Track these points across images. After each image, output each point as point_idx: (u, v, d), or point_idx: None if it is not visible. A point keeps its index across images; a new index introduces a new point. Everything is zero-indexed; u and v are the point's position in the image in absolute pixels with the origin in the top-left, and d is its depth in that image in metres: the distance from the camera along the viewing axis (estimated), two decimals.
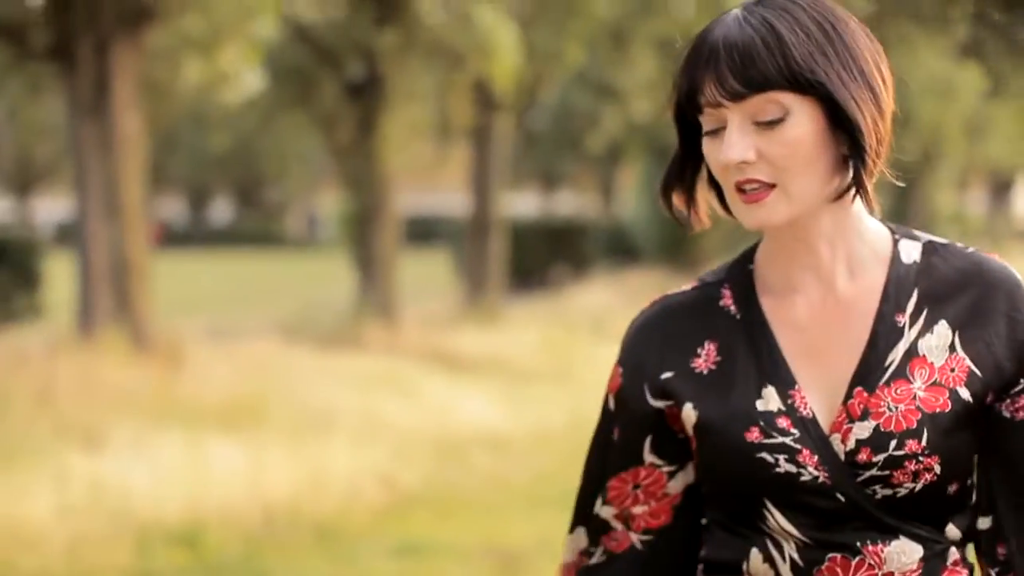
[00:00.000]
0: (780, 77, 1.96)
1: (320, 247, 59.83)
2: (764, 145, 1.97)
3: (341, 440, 10.38)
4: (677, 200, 2.08)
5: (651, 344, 2.13)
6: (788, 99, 1.97)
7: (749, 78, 1.96)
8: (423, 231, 49.86)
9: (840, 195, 2.02)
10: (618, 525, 2.15)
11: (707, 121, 2.01)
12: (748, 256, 2.14)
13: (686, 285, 2.18)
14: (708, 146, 2.02)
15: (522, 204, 40.95)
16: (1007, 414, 2.04)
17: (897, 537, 2.00)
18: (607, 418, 2.16)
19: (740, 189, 1.99)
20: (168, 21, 13.35)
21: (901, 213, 41.09)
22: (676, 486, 2.13)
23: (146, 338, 14.07)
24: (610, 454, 2.14)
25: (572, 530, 2.20)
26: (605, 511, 2.16)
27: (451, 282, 27.26)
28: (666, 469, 2.12)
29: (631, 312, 2.22)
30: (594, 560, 2.17)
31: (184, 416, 10.67)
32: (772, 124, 1.97)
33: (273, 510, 8.71)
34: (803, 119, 1.97)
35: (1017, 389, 2.03)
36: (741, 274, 2.13)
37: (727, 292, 2.12)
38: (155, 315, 14.96)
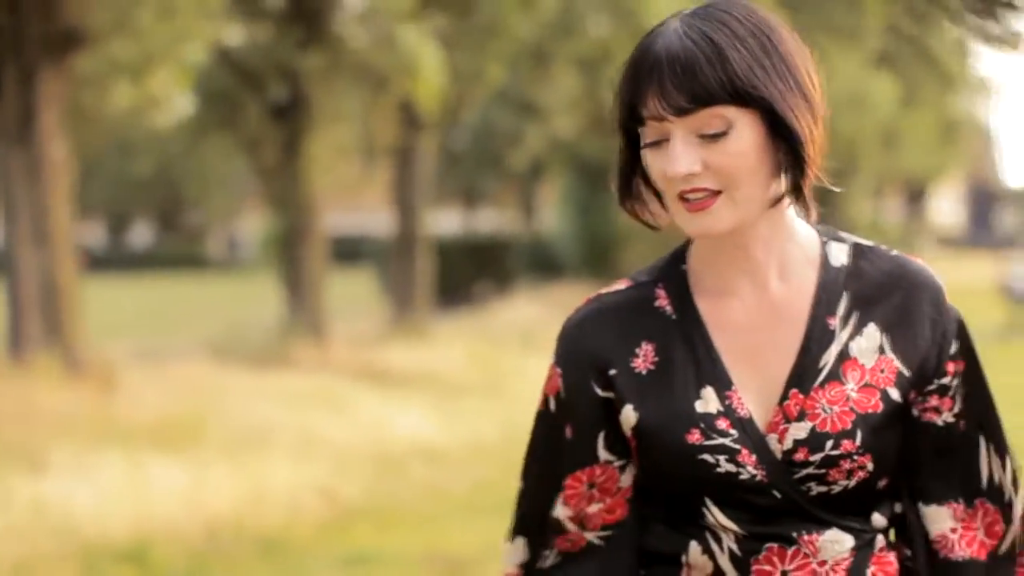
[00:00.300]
0: (723, 92, 2.00)
1: (242, 269, 59.81)
2: (709, 157, 2.00)
3: (279, 456, 10.53)
4: (631, 208, 2.12)
5: (591, 339, 2.13)
6: (731, 112, 2.00)
7: (693, 93, 1.99)
8: (347, 250, 49.93)
9: (779, 200, 2.06)
10: (572, 527, 2.15)
11: (649, 133, 2.03)
12: (680, 256, 2.16)
13: (619, 284, 2.18)
14: (650, 157, 2.04)
15: (444, 222, 41.15)
16: (915, 412, 2.10)
17: (830, 528, 2.06)
18: (549, 420, 2.15)
19: (683, 198, 2.02)
20: (96, 47, 13.45)
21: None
22: (627, 479, 2.14)
23: (78, 362, 14.14)
24: (564, 454, 2.14)
25: (512, 539, 2.19)
26: (561, 512, 2.15)
27: (377, 300, 27.42)
28: (618, 464, 2.13)
29: (557, 324, 2.20)
30: (548, 562, 2.17)
31: (122, 437, 10.78)
32: (716, 137, 2.00)
33: (216, 525, 8.85)
34: (745, 131, 2.01)
35: (929, 388, 2.10)
36: (675, 275, 2.14)
37: (662, 292, 2.14)
38: (85, 339, 15.03)
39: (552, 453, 2.15)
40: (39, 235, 14.52)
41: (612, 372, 2.11)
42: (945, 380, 2.10)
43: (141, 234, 64.36)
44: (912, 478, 2.13)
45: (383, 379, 15.47)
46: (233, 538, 8.72)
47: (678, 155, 1.99)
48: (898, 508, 2.15)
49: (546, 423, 2.16)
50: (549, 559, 2.16)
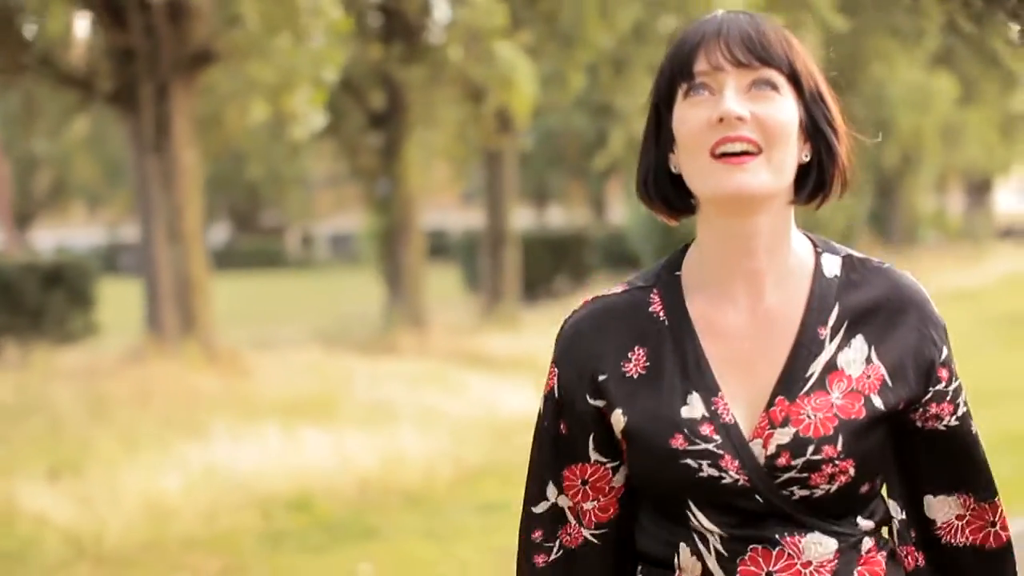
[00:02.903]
0: (785, 59, 2.06)
1: (317, 265, 61.42)
2: (756, 109, 2.03)
3: (406, 427, 11.90)
4: (646, 198, 2.16)
5: (585, 344, 2.17)
6: (783, 81, 2.06)
7: (757, 49, 2.04)
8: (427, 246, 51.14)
9: (805, 198, 2.12)
10: (571, 518, 2.22)
11: (695, 83, 2.05)
12: (675, 262, 2.19)
13: (617, 287, 2.22)
14: (686, 110, 2.06)
15: (518, 219, 42.44)
16: (918, 424, 2.16)
17: (812, 531, 2.09)
18: (547, 414, 2.22)
19: (720, 154, 2.02)
20: (227, 65, 14.91)
21: (884, 216, 42.66)
22: (620, 479, 2.20)
23: (211, 348, 15.63)
24: (560, 447, 2.21)
25: (523, 517, 2.28)
26: (562, 500, 2.22)
27: (462, 292, 28.85)
28: (610, 465, 2.19)
29: None
30: (553, 556, 2.24)
31: (267, 411, 12.26)
32: (766, 90, 2.04)
33: (365, 482, 10.28)
34: (790, 103, 2.06)
35: (926, 398, 2.14)
36: (670, 280, 2.16)
37: (656, 298, 2.16)
38: (215, 328, 16.53)
39: (551, 444, 2.22)
40: (173, 233, 16.01)
41: (602, 378, 2.14)
42: (940, 386, 2.14)
43: (218, 233, 66.08)
44: (918, 477, 2.20)
45: (482, 363, 16.76)
46: (380, 492, 10.14)
47: (732, 97, 2.02)
48: (887, 511, 2.21)
49: (546, 416, 2.23)
50: (553, 552, 2.25)
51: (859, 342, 2.09)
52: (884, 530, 2.21)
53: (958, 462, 2.18)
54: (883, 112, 31.99)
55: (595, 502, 2.20)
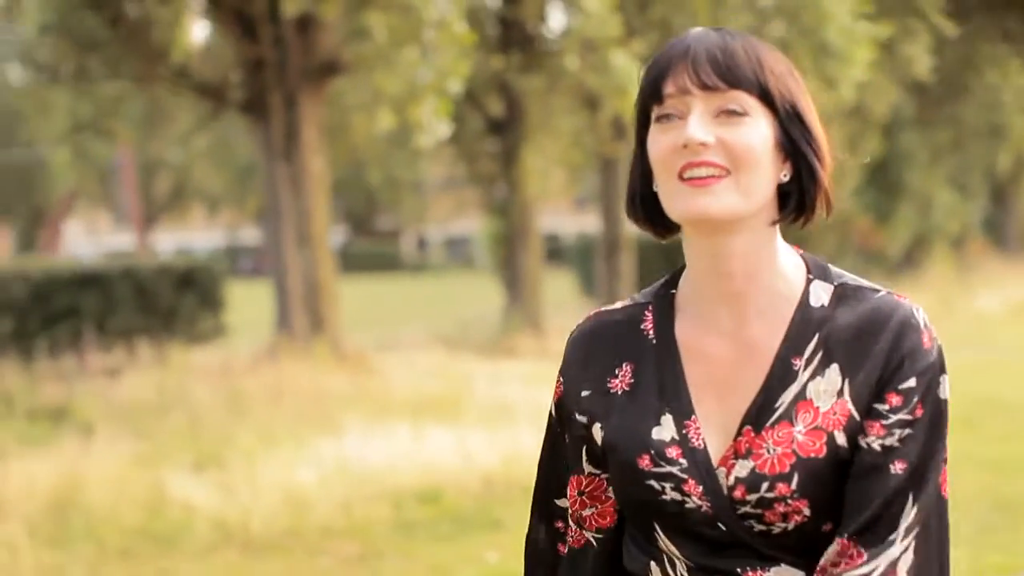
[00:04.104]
0: (753, 80, 2.00)
1: (432, 269, 62.24)
2: (723, 134, 1.99)
3: (525, 426, 12.39)
4: (636, 217, 2.13)
5: (579, 360, 2.18)
6: (753, 104, 2.01)
7: (723, 73, 1.99)
8: None
9: (781, 220, 2.06)
10: (573, 524, 2.24)
11: (663, 110, 2.03)
12: (673, 281, 2.16)
13: (620, 302, 2.22)
14: (656, 134, 2.03)
15: (631, 224, 42.68)
16: (862, 444, 2.01)
17: (778, 565, 2.04)
18: (553, 423, 2.25)
19: (686, 178, 1.99)
20: (354, 75, 15.51)
21: (996, 220, 42.51)
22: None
23: (339, 349, 16.25)
24: (564, 456, 2.23)
25: (532, 520, 2.32)
26: (563, 503, 2.25)
27: (578, 296, 29.32)
28: (604, 476, 2.18)
29: None
30: (558, 553, 2.28)
31: (394, 409, 12.82)
32: (733, 116, 2.00)
33: (489, 477, 10.78)
34: (762, 124, 2.01)
35: (868, 420, 2.01)
36: (664, 298, 2.14)
37: (648, 315, 2.14)
38: (342, 329, 17.15)
39: (557, 452, 2.25)
40: (302, 237, 16.65)
41: (585, 393, 2.15)
42: (882, 407, 2.01)
43: (335, 236, 67.18)
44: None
45: None
46: (503, 486, 10.62)
47: (694, 122, 1.99)
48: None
49: (552, 425, 2.26)
50: (557, 552, 2.29)
51: (833, 372, 2.03)
52: None
53: (853, 488, 2.00)
54: (997, 117, 31.98)
55: (593, 508, 2.21)
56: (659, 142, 2.01)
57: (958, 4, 23.64)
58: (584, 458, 2.17)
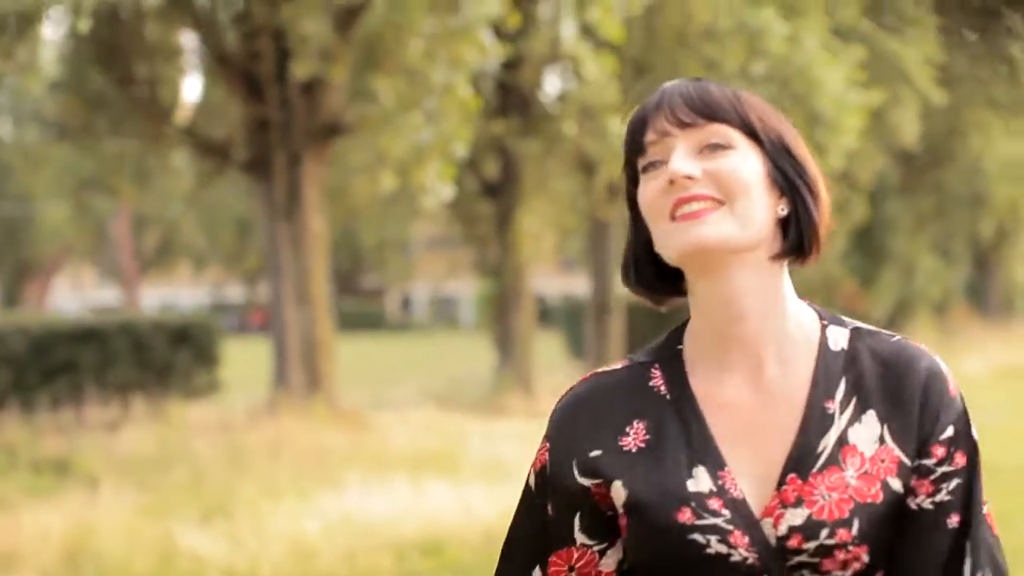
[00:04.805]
0: (733, 112, 1.99)
1: (416, 328, 62.49)
2: (709, 166, 1.96)
3: (520, 483, 12.66)
4: (632, 284, 2.09)
5: (579, 421, 2.09)
6: (736, 136, 1.98)
7: (700, 107, 1.98)
8: None
9: (781, 254, 2.01)
10: None
11: (647, 159, 2.00)
12: (676, 336, 2.11)
13: (616, 364, 2.14)
14: (644, 184, 2.00)
15: (621, 287, 43.00)
16: (913, 506, 2.00)
17: None
18: (531, 496, 2.14)
19: (678, 216, 1.96)
20: (357, 137, 15.84)
21: (980, 288, 42.96)
22: (609, 563, 2.11)
23: (336, 406, 16.48)
24: (548, 530, 2.11)
25: None
26: None
27: (565, 358, 29.58)
28: (597, 548, 2.09)
29: None
30: None
31: (392, 465, 13.06)
32: (717, 149, 1.97)
33: (490, 530, 11.01)
34: (750, 156, 1.98)
35: (916, 478, 1.99)
36: (671, 354, 2.08)
37: (657, 372, 2.08)
38: (338, 387, 17.39)
39: (537, 529, 2.12)
40: (301, 296, 16.92)
41: (595, 454, 2.06)
42: (928, 462, 2.00)
43: None
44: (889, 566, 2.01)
45: None
46: (503, 540, 10.86)
47: (679, 158, 1.96)
48: None
49: (530, 499, 2.14)
50: None
51: (871, 419, 1.99)
52: None
53: (912, 552, 1.99)
54: (979, 184, 32.42)
55: None
56: (647, 189, 1.98)
57: (947, 72, 23.99)
58: (576, 528, 2.08)
